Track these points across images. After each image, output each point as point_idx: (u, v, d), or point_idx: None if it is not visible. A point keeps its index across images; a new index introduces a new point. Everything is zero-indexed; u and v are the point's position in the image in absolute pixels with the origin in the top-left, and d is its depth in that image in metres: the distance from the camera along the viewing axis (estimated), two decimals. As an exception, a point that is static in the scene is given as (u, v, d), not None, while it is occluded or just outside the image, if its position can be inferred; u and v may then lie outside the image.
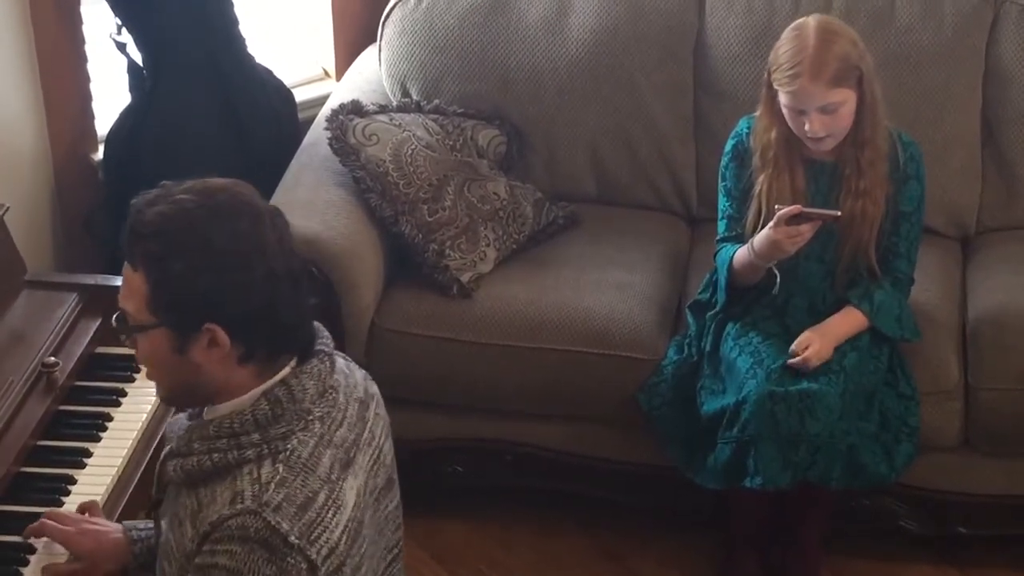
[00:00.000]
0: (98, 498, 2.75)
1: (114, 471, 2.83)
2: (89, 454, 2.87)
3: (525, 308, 3.69)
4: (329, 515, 2.22)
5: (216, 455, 2.23)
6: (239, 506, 2.17)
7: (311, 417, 2.26)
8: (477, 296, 3.73)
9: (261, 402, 2.24)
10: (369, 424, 2.38)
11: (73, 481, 2.79)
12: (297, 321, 2.28)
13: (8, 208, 3.16)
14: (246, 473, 2.20)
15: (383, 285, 3.78)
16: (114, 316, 2.30)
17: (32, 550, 2.60)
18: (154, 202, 2.22)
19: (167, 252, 2.18)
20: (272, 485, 2.19)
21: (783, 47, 3.37)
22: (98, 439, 2.91)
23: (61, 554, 2.58)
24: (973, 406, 3.57)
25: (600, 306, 3.68)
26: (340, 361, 2.39)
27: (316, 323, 2.36)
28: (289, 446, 2.23)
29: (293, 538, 2.16)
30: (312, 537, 2.18)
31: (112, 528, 2.58)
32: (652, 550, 3.79)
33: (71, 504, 2.73)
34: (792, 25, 3.41)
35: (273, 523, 2.16)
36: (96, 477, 2.81)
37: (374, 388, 2.45)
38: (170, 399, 2.40)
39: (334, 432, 2.29)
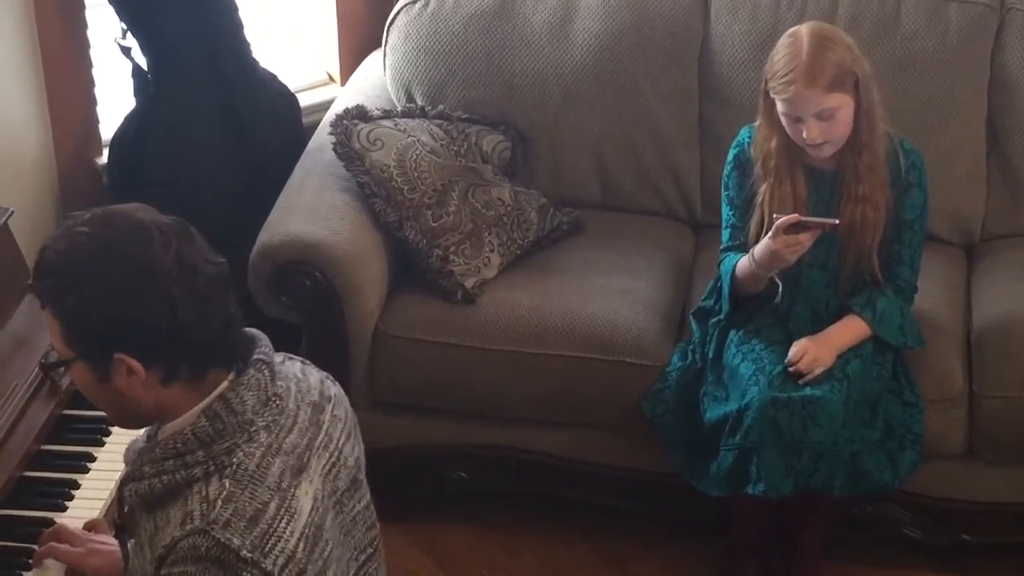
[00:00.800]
0: (102, 502, 2.75)
1: (117, 476, 2.81)
2: (92, 458, 2.86)
3: (529, 314, 3.68)
4: (282, 524, 2.20)
5: (165, 477, 2.22)
6: (188, 526, 2.16)
7: (254, 428, 2.24)
8: (481, 302, 3.73)
9: (200, 419, 2.23)
10: (325, 427, 2.36)
11: (76, 485, 2.79)
12: (214, 335, 2.24)
13: (12, 212, 3.16)
14: (195, 492, 2.20)
15: (387, 290, 3.78)
16: (46, 353, 2.32)
17: (39, 564, 2.58)
18: (56, 239, 2.23)
19: (62, 288, 2.19)
20: (220, 502, 2.17)
21: (778, 55, 3.37)
22: (101, 443, 2.90)
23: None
24: (977, 414, 3.56)
25: (604, 312, 3.67)
26: (293, 365, 2.38)
27: (255, 332, 2.35)
28: (235, 460, 2.21)
29: (245, 552, 2.14)
30: (266, 549, 2.17)
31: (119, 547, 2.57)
32: (655, 557, 3.79)
33: (74, 509, 2.73)
34: (787, 33, 3.41)
35: (223, 540, 2.14)
36: (99, 482, 2.81)
37: (333, 390, 2.43)
38: (116, 423, 2.41)
39: (283, 439, 2.27)
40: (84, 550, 2.55)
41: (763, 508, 3.52)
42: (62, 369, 2.33)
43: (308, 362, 2.44)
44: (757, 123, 3.49)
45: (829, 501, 3.49)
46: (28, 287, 2.28)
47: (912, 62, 3.88)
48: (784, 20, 3.88)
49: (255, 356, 2.30)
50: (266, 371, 2.29)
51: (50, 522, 2.65)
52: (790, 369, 3.38)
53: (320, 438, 2.33)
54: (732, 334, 3.53)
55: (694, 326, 3.65)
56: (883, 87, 3.47)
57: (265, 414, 2.26)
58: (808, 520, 3.60)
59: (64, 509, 2.73)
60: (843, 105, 3.33)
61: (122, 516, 2.38)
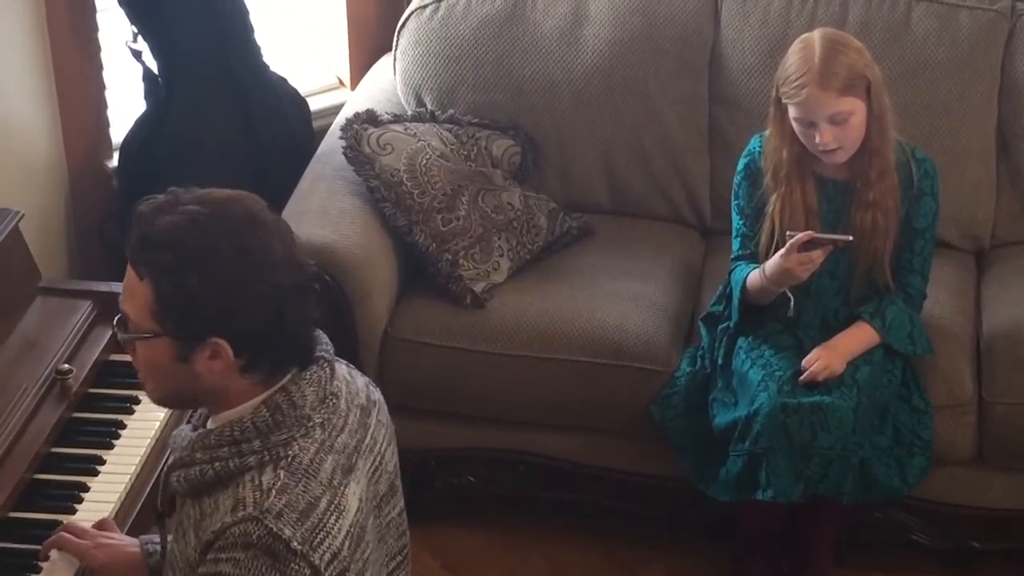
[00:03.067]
0: (111, 505, 2.75)
1: (127, 478, 2.82)
2: (102, 461, 2.86)
3: (538, 319, 3.68)
4: (331, 520, 2.21)
5: (218, 464, 2.22)
6: (241, 513, 2.17)
7: (311, 423, 2.25)
8: (490, 306, 3.73)
9: (261, 409, 2.24)
10: (371, 430, 2.37)
11: (86, 488, 2.79)
12: (303, 334, 2.28)
13: (23, 215, 3.16)
14: (248, 480, 2.20)
15: (396, 295, 3.78)
16: (116, 319, 2.29)
17: (44, 557, 2.59)
18: (163, 211, 2.20)
19: (178, 264, 2.17)
20: (273, 491, 2.18)
21: (790, 60, 3.37)
22: (111, 446, 2.90)
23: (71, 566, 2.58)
24: (987, 420, 3.56)
25: (613, 317, 3.67)
26: (341, 368, 2.39)
27: (317, 331, 2.35)
28: (290, 452, 2.22)
29: (296, 544, 2.16)
30: (315, 543, 2.18)
31: (128, 543, 2.57)
32: (663, 561, 3.79)
33: (84, 512, 2.73)
34: (798, 39, 3.42)
35: (275, 530, 2.15)
36: (109, 485, 2.80)
37: (377, 395, 2.45)
38: (162, 402, 2.38)
39: (335, 438, 2.28)
40: (92, 543, 2.55)
41: (773, 513, 3.52)
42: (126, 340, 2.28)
43: (352, 365, 2.45)
44: (767, 132, 3.49)
45: (838, 507, 3.48)
46: (130, 251, 2.22)
47: (922, 68, 3.88)
48: (794, 26, 3.88)
49: (317, 353, 2.31)
50: (327, 368, 2.30)
51: (60, 524, 2.65)
52: (801, 379, 3.38)
53: (367, 441, 2.35)
54: (741, 340, 3.53)
55: (703, 332, 3.65)
56: (893, 93, 3.47)
57: (322, 411, 2.27)
58: (817, 526, 3.60)
59: (74, 512, 2.72)
60: (856, 109, 3.33)
61: (164, 503, 2.38)
